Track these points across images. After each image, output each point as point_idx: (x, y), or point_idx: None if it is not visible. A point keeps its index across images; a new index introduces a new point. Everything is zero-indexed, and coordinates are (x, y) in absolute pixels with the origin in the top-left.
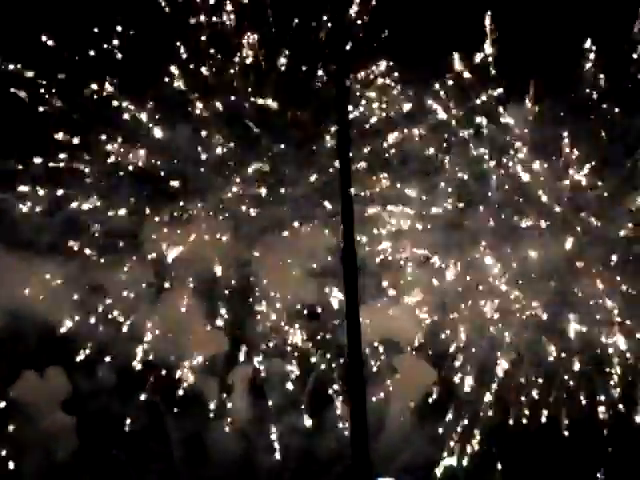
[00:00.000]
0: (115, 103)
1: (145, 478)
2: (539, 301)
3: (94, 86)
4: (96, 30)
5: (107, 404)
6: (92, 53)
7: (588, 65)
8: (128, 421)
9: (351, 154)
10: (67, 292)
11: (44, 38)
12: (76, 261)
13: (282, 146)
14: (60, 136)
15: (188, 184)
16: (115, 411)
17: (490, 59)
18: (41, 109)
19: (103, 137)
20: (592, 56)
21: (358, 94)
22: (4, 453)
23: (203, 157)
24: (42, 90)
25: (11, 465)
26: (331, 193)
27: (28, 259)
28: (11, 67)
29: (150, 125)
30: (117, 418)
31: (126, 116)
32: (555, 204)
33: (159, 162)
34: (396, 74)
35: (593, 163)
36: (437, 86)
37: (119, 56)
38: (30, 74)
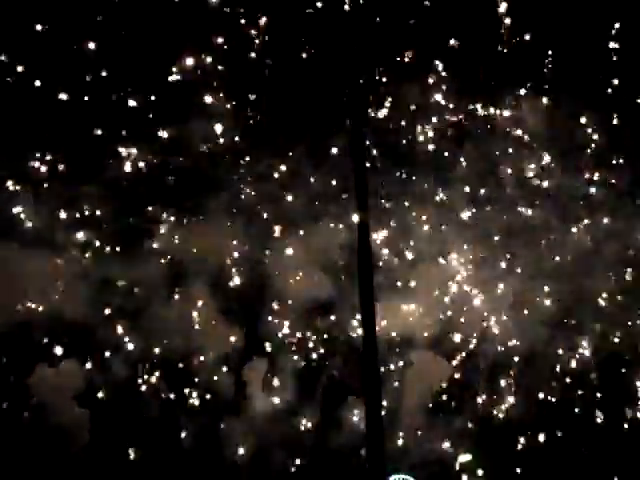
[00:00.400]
0: (119, 98)
1: (158, 473)
2: (554, 299)
3: (96, 79)
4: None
5: (121, 399)
6: (92, 45)
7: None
8: (142, 416)
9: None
10: (81, 287)
11: (39, 27)
12: (90, 257)
13: (296, 142)
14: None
15: (201, 182)
16: (129, 406)
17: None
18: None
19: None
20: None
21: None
22: (19, 447)
23: (216, 154)
24: (40, 83)
25: (25, 459)
26: (346, 189)
27: (41, 255)
28: (3, 58)
29: (160, 121)
30: (131, 413)
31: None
32: (569, 201)
33: (170, 159)
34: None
35: (615, 161)
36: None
37: (122, 47)
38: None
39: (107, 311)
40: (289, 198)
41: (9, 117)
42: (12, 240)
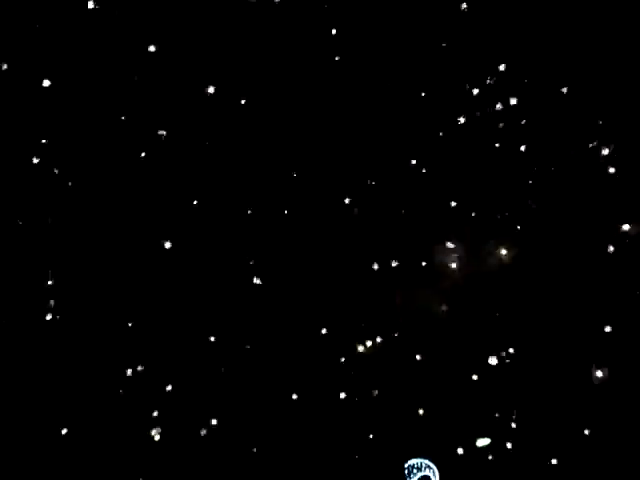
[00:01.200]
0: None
1: (167, 471)
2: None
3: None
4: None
5: (131, 394)
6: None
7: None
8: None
9: None
10: (88, 279)
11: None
12: (96, 250)
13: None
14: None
15: (207, 177)
16: (138, 401)
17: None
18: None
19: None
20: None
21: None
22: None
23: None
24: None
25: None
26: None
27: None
28: None
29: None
30: (140, 408)
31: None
32: (582, 191)
33: (173, 154)
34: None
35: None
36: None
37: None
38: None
39: (116, 302)
40: (301, 195)
41: None
42: None
